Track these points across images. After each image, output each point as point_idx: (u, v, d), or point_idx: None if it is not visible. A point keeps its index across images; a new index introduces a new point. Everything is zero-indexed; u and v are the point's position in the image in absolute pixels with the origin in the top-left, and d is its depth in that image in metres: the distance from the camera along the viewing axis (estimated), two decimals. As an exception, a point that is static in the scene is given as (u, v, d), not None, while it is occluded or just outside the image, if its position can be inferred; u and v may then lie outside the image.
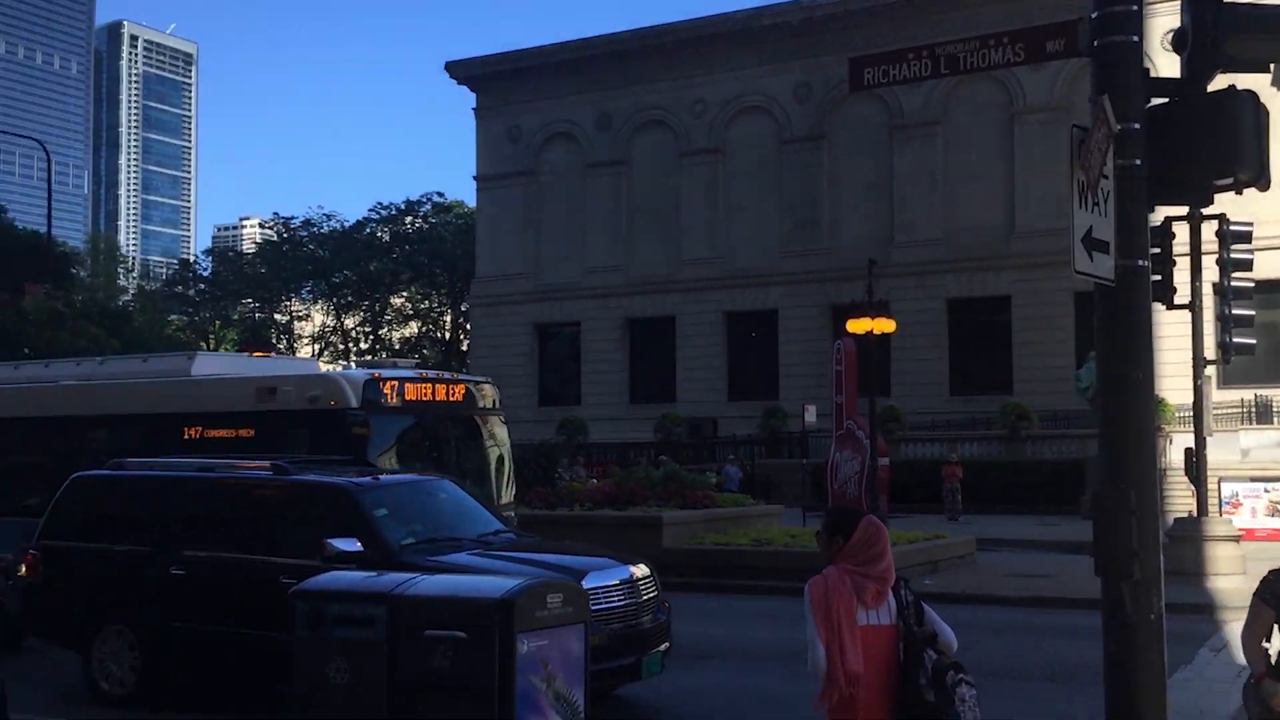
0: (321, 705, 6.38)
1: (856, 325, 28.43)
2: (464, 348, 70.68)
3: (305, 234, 77.35)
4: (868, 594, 5.33)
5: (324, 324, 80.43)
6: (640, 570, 10.36)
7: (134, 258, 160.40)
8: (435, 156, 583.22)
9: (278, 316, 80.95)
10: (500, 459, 16.35)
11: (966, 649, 5.64)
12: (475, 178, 57.46)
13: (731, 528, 20.96)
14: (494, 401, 16.54)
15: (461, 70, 57.02)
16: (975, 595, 17.32)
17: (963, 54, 6.13)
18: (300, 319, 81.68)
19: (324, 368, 19.85)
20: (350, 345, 77.27)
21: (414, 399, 15.04)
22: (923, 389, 45.27)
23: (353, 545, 9.50)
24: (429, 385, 15.41)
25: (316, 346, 78.91)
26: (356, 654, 6.32)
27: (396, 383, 14.87)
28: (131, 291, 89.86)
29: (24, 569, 11.52)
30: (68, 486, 11.82)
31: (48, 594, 11.37)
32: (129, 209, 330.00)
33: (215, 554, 10.58)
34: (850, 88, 6.42)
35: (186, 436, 15.45)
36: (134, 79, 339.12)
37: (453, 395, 15.61)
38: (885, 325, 29.15)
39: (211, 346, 74.27)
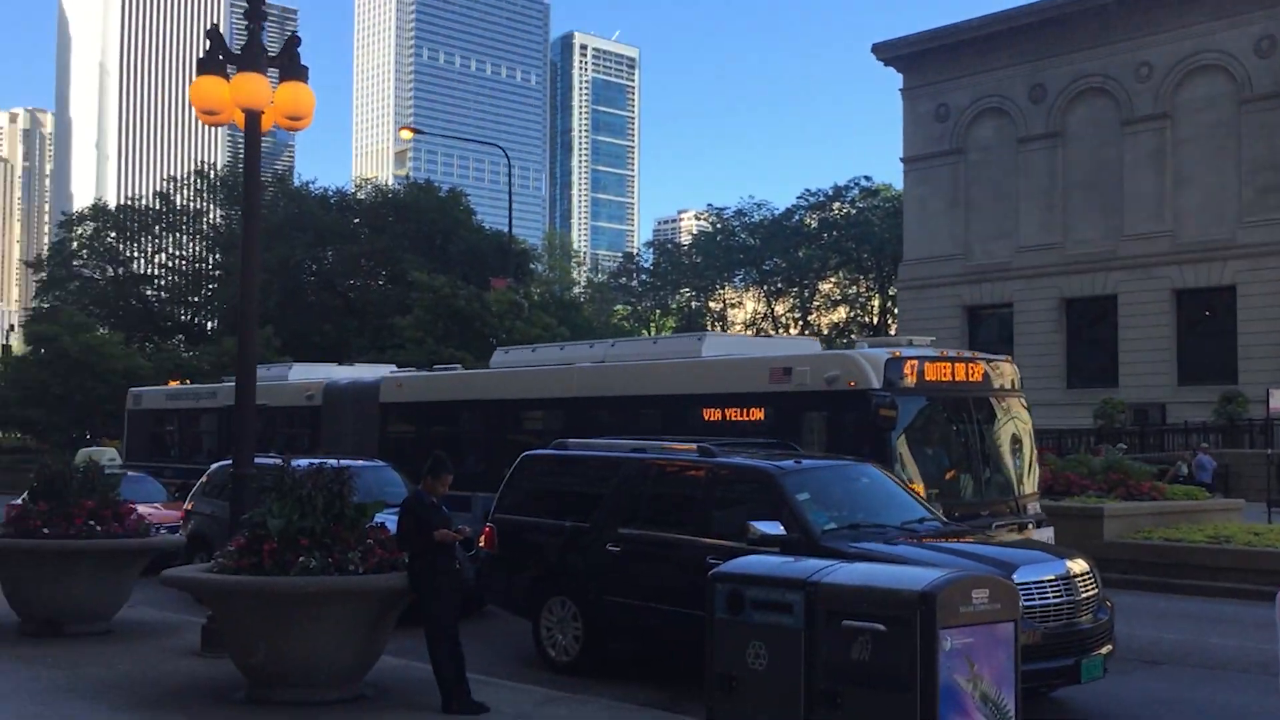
0: (742, 689, 6.42)
1: (1335, 301, 25.38)
2: (892, 332, 69.83)
3: (737, 224, 79.50)
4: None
5: (755, 311, 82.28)
6: (1078, 565, 9.70)
7: (584, 252, 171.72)
8: (862, 140, 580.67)
9: (712, 304, 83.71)
10: (1021, 444, 14.91)
11: None
12: (902, 159, 56.50)
13: (1183, 522, 19.30)
14: (1013, 381, 15.16)
15: (888, 51, 56.23)
16: None
17: None
18: (733, 306, 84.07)
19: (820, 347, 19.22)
20: (781, 331, 78.52)
21: (933, 379, 14.02)
22: None
23: (775, 529, 9.55)
24: (948, 364, 14.36)
25: (749, 333, 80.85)
26: (774, 640, 6.30)
27: (916, 361, 13.95)
28: (582, 284, 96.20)
29: (482, 541, 12.51)
30: (517, 464, 12.72)
31: (502, 564, 12.28)
32: (580, 207, 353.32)
33: (647, 532, 11.00)
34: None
35: (696, 418, 15.30)
36: (584, 85, 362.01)
37: (971, 375, 14.50)
38: (1372, 300, 25.82)
39: (651, 334, 77.99)
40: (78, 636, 12.50)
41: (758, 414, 14.86)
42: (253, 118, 11.68)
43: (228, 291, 63.01)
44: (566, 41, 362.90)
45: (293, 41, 12.07)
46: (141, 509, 18.93)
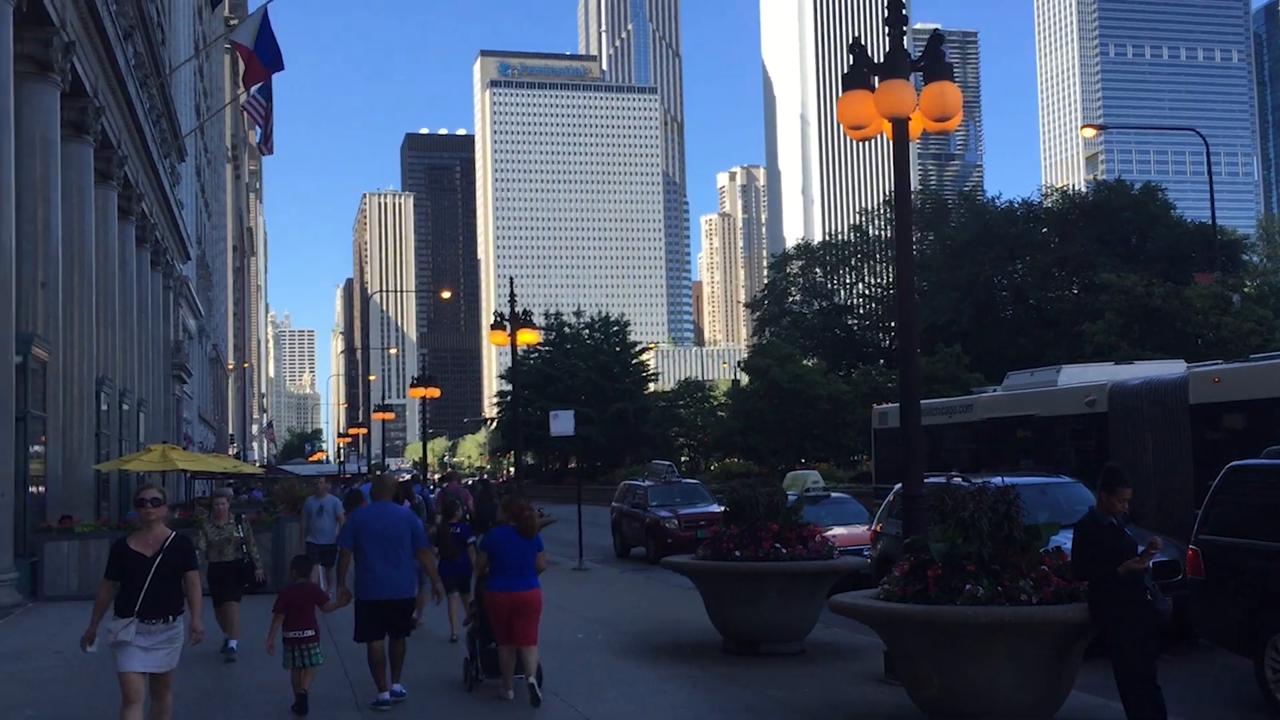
0: None
1: None
2: None
3: None
4: None
5: None
6: None
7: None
8: None
9: None
10: None
11: None
12: None
13: None
14: None
15: None
16: None
17: None
18: None
19: None
20: None
21: None
22: None
23: None
24: None
25: None
26: None
27: None
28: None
29: (1186, 565, 10.97)
30: (1222, 478, 10.97)
31: (1209, 593, 10.62)
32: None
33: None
34: None
35: None
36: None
37: None
38: None
39: None
40: (771, 656, 12.81)
41: None
42: (899, 125, 11.31)
43: (922, 315, 64.12)
44: (1270, 10, 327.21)
45: (935, 40, 11.55)
46: (836, 530, 19.47)
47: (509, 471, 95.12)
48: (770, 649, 12.95)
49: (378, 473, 23.83)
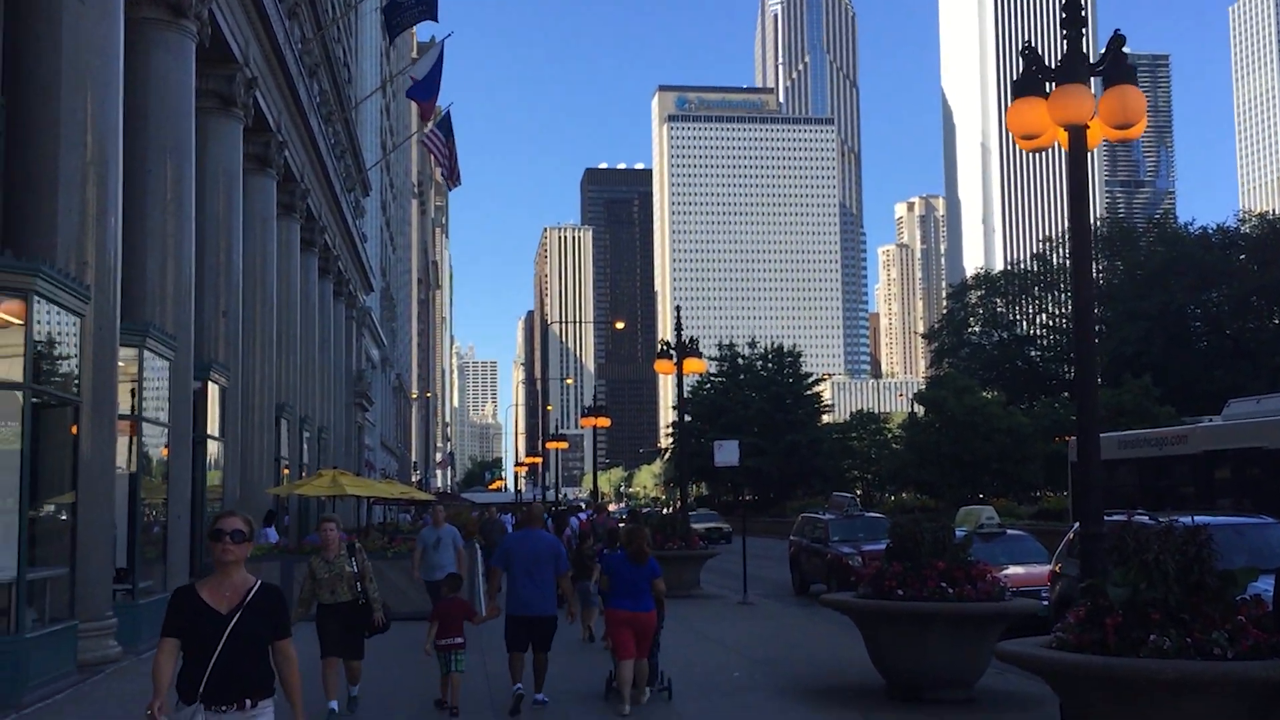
0: None
1: None
2: None
3: None
4: None
5: None
6: None
7: None
8: None
9: None
10: None
11: None
12: None
13: None
14: None
15: None
16: None
17: None
18: None
19: None
20: None
21: None
22: None
23: None
24: None
25: None
26: None
27: None
28: None
29: None
30: None
31: None
32: None
33: None
34: None
35: None
36: None
37: None
38: None
39: None
40: (937, 703, 12.01)
41: None
42: (1075, 133, 10.50)
43: (1109, 345, 61.31)
44: None
45: (1116, 41, 10.71)
46: (1011, 570, 18.39)
47: (676, 503, 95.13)
48: (935, 695, 12.13)
49: (524, 504, 24.04)
